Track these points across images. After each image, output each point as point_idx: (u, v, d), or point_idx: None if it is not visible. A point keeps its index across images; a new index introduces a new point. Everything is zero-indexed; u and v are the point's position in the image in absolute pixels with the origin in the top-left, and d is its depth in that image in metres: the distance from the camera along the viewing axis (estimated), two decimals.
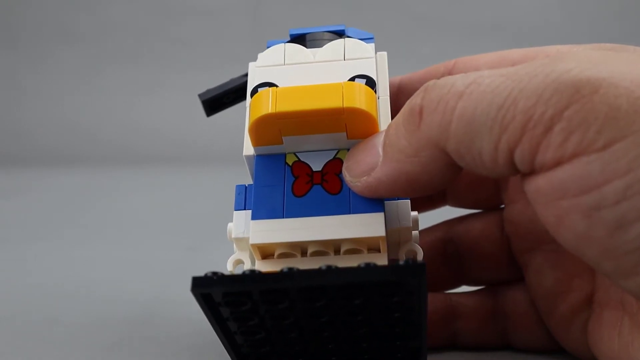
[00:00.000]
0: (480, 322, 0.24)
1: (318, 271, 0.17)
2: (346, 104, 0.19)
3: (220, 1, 1.14)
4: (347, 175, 0.19)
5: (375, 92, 0.21)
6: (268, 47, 0.23)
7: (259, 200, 0.20)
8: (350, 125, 0.20)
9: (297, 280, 0.17)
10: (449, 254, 0.25)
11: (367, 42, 0.23)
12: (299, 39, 0.24)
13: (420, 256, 0.21)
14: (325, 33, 0.23)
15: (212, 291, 0.18)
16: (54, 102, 1.11)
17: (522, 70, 0.16)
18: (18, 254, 0.42)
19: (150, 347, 0.25)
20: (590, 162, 0.14)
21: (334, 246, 0.20)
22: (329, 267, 0.17)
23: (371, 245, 0.20)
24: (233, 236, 0.21)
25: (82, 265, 0.39)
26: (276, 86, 0.21)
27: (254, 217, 0.20)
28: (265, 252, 0.20)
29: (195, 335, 0.26)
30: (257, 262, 0.20)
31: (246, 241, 0.21)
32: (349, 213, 0.19)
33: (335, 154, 0.21)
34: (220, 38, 1.14)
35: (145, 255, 0.41)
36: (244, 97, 0.25)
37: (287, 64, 0.22)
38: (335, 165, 0.20)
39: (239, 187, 0.21)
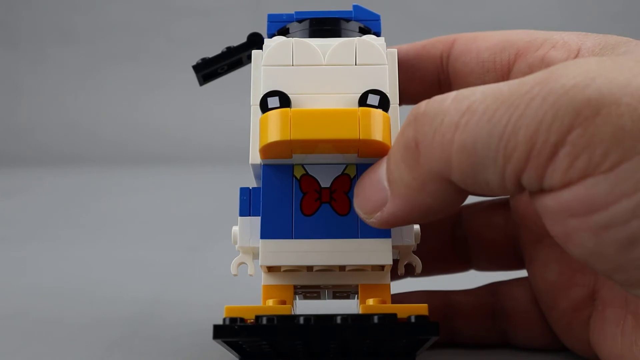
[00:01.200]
0: (479, 320, 0.24)
1: (335, 326, 0.17)
2: (362, 136, 0.19)
3: (220, 1, 1.14)
4: (360, 212, 0.19)
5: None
6: (269, 22, 0.22)
7: (268, 218, 0.20)
8: (362, 150, 0.20)
9: (314, 334, 0.18)
10: (457, 238, 0.25)
11: (374, 27, 0.23)
12: (303, 23, 0.22)
13: (419, 268, 0.21)
14: (334, 21, 0.22)
15: (232, 340, 0.18)
16: (53, 102, 1.11)
17: (517, 92, 0.15)
18: (18, 254, 0.42)
19: (150, 346, 0.24)
20: (598, 184, 0.14)
21: (340, 265, 0.20)
22: (345, 321, 0.17)
23: (375, 266, 0.20)
24: (239, 245, 0.21)
25: (82, 264, 0.39)
26: (286, 97, 0.20)
27: (263, 236, 0.20)
28: (273, 268, 0.20)
29: (195, 335, 0.26)
30: (263, 275, 0.20)
31: (250, 248, 0.21)
32: (357, 237, 0.20)
33: (344, 169, 0.20)
34: (220, 38, 1.14)
35: (145, 255, 0.41)
36: (240, 66, 0.24)
37: (297, 65, 0.21)
38: (343, 183, 0.20)
39: (243, 190, 0.21)
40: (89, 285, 0.34)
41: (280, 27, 0.23)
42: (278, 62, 0.21)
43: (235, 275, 0.21)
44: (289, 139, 0.19)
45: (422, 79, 0.24)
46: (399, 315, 0.18)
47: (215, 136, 1.02)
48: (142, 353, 0.24)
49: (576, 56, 0.20)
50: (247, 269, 0.21)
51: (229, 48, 0.24)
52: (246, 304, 0.23)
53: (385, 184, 0.18)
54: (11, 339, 0.26)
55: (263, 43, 0.22)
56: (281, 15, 0.23)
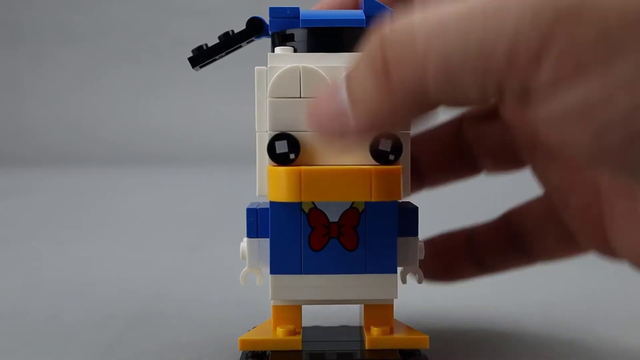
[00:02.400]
0: (501, 245, 0.24)
1: None
2: (375, 198, 0.19)
3: (220, 1, 1.14)
4: (315, 124, 0.18)
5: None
6: (271, 17, 0.21)
7: (277, 253, 0.21)
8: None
9: None
10: (463, 144, 0.24)
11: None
12: (310, 33, 0.21)
13: (420, 279, 0.22)
14: (344, 30, 0.21)
15: None
16: (54, 102, 1.11)
17: (490, 3, 0.15)
18: (19, 253, 0.43)
19: (150, 345, 0.25)
20: (591, 83, 0.14)
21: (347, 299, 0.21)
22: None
23: None
24: (248, 267, 0.21)
25: (83, 264, 0.39)
26: (295, 141, 0.20)
27: (273, 272, 0.21)
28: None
29: (195, 334, 0.26)
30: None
31: (259, 269, 0.21)
32: (365, 272, 0.21)
33: (352, 203, 0.21)
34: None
35: (145, 254, 0.42)
36: (238, 49, 0.23)
37: (304, 97, 0.20)
38: (352, 217, 0.21)
39: (250, 211, 0.21)
40: (89, 284, 0.34)
41: (284, 24, 0.21)
42: (285, 93, 0.20)
43: (244, 284, 0.22)
44: (299, 200, 0.19)
45: None
46: (401, 346, 0.21)
47: (215, 136, 1.02)
48: (141, 352, 0.24)
49: None
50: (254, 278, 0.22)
51: (226, 35, 0.23)
52: (245, 303, 0.23)
53: (347, 102, 0.17)
54: (11, 338, 0.26)
55: (262, 29, 0.22)
56: (284, 9, 0.21)
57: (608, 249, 0.21)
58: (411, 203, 0.22)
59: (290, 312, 0.21)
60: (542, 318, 0.27)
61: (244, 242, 0.21)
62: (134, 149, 1.02)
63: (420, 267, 0.22)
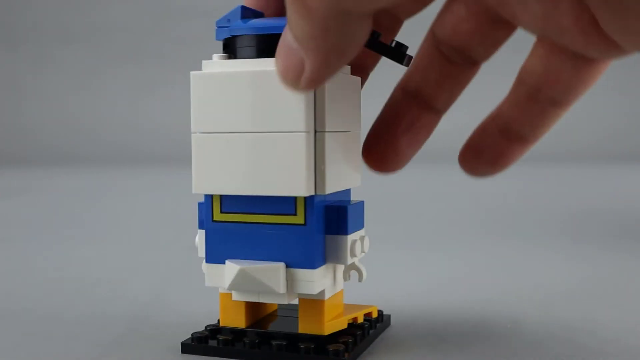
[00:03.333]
0: (527, 110, 0.22)
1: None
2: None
3: (220, 1, 1.14)
4: (286, 83, 0.18)
5: None
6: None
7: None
8: None
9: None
10: (448, 54, 0.22)
11: None
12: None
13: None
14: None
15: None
16: (54, 103, 1.11)
17: None
18: (19, 253, 0.43)
19: (150, 345, 0.25)
20: None
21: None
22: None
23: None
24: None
25: (83, 264, 0.39)
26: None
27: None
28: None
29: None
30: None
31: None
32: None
33: None
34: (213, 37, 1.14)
35: (145, 254, 0.42)
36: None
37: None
38: None
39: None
40: (88, 284, 0.34)
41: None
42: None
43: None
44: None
45: None
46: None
47: None
48: (141, 352, 0.24)
49: None
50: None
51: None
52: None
53: (294, 44, 0.18)
54: (11, 337, 0.26)
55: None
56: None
57: (615, 48, 0.19)
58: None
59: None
60: (542, 318, 0.27)
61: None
62: (134, 149, 1.02)
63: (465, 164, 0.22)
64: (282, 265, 0.21)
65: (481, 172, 0.23)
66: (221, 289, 0.23)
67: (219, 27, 0.22)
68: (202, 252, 0.23)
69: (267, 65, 0.20)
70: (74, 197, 0.67)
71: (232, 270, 0.21)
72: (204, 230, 0.23)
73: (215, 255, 0.22)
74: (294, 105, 0.20)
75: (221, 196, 0.22)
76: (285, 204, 0.21)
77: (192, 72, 0.21)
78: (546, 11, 0.19)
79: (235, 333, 0.23)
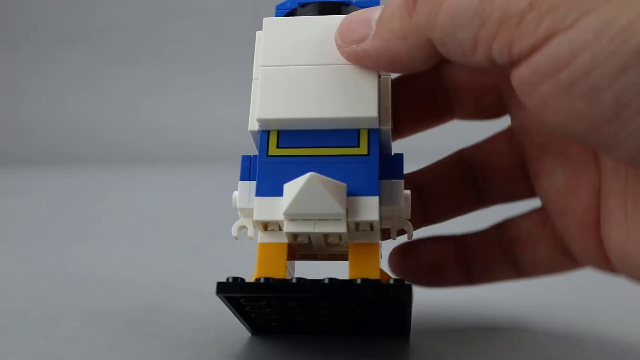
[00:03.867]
0: (490, 254, 0.25)
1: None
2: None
3: (220, 1, 1.14)
4: (338, 39, 0.21)
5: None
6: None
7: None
8: None
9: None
10: (465, 176, 0.25)
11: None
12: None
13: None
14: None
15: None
16: (54, 103, 1.11)
17: None
18: (19, 253, 0.43)
19: (151, 345, 0.25)
20: (561, 42, 0.16)
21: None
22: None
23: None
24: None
25: (83, 264, 0.39)
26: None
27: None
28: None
29: (196, 334, 0.26)
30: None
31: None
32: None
33: None
34: (220, 38, 1.14)
35: (145, 254, 0.42)
36: None
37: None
38: None
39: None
40: (89, 284, 0.34)
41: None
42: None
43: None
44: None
45: None
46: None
47: (215, 136, 1.02)
48: (142, 352, 0.24)
49: None
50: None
51: None
52: None
53: (373, 24, 0.20)
54: (12, 338, 0.26)
55: None
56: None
57: (604, 260, 0.22)
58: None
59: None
60: (542, 318, 0.28)
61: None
62: (134, 149, 1.02)
63: (410, 276, 0.22)
64: (345, 185, 0.20)
65: (417, 281, 0.25)
66: (264, 235, 0.21)
67: (278, 9, 0.24)
68: (242, 203, 0.22)
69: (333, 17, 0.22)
70: (74, 197, 0.67)
71: (299, 182, 0.20)
72: (246, 181, 0.22)
73: (268, 187, 0.21)
74: None
75: (279, 131, 0.22)
76: (348, 136, 0.21)
77: (264, 18, 0.23)
78: (566, 202, 0.22)
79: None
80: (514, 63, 0.17)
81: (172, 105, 1.10)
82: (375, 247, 0.21)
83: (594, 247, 0.22)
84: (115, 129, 1.07)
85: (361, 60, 0.21)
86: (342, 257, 0.23)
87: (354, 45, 0.21)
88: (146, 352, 0.24)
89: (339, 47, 0.21)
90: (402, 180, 0.21)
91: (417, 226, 0.25)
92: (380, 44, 0.20)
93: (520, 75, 0.17)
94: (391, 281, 0.20)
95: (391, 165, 0.22)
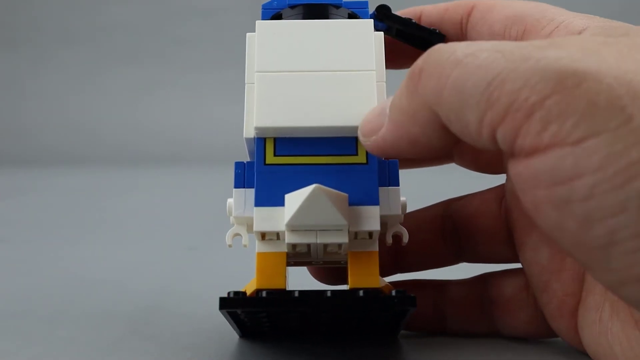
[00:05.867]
0: (468, 309, 0.24)
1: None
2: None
3: (220, 1, 1.14)
4: (360, 135, 0.20)
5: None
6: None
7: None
8: None
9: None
10: (447, 231, 0.25)
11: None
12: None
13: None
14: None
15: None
16: (55, 103, 1.11)
17: (517, 51, 0.16)
18: (19, 254, 0.43)
19: (151, 346, 0.25)
20: (564, 156, 0.15)
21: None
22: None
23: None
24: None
25: (83, 264, 0.39)
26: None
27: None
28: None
29: (196, 335, 0.26)
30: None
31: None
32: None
33: None
34: (220, 38, 1.14)
35: (145, 254, 0.42)
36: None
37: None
38: None
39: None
40: (89, 284, 0.34)
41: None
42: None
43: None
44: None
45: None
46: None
47: (216, 136, 1.02)
48: (142, 352, 0.24)
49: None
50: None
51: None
52: None
53: (387, 110, 0.19)
54: (12, 338, 0.26)
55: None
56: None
57: (579, 344, 0.22)
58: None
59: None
60: None
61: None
62: (134, 149, 1.02)
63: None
64: (347, 195, 0.20)
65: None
66: (263, 244, 0.21)
67: (264, 9, 0.23)
68: (237, 211, 0.21)
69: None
70: (74, 197, 0.67)
71: (302, 193, 0.20)
72: (241, 189, 0.22)
73: (267, 197, 0.21)
74: (363, 48, 0.22)
75: (275, 139, 0.21)
76: (346, 144, 0.21)
77: (257, 21, 0.23)
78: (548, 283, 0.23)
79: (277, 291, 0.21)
80: (514, 155, 0.16)
81: (173, 105, 1.10)
82: (375, 255, 0.21)
83: (569, 330, 0.22)
84: (116, 129, 1.07)
85: (382, 150, 0.20)
86: (336, 263, 0.23)
87: (374, 137, 0.19)
88: (146, 354, 0.24)
89: (362, 143, 0.20)
90: (399, 188, 0.21)
91: (388, 274, 0.25)
92: (394, 128, 0.19)
93: (517, 171, 0.16)
94: (393, 292, 0.19)
95: (387, 172, 0.21)
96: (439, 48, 0.18)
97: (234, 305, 0.20)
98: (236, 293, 0.20)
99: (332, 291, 0.19)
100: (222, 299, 0.20)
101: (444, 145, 0.18)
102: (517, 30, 0.22)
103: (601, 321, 0.20)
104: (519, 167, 0.16)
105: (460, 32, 0.24)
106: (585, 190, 0.14)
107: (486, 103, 0.16)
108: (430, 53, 0.18)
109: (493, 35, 0.23)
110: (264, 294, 0.20)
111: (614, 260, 0.15)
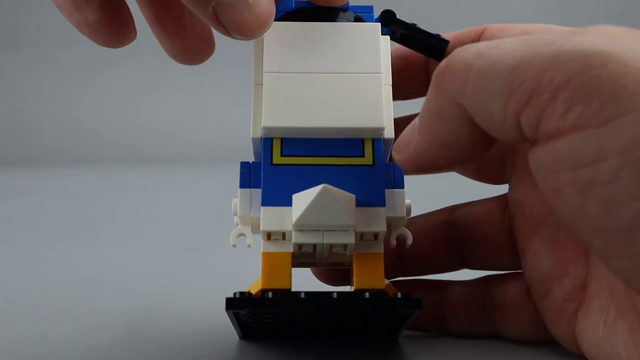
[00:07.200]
0: (469, 311, 0.24)
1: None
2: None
3: None
4: (394, 154, 0.20)
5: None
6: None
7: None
8: None
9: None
10: (451, 237, 0.25)
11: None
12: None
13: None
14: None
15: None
16: (56, 103, 1.11)
17: (542, 38, 0.16)
18: (19, 254, 0.43)
19: (151, 346, 0.25)
20: (588, 137, 0.14)
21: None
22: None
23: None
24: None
25: (83, 264, 0.39)
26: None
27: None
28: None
29: (196, 335, 0.26)
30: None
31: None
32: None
33: None
34: (220, 38, 1.14)
35: (145, 255, 0.42)
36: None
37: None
38: None
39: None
40: (89, 285, 0.34)
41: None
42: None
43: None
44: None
45: None
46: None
47: (216, 136, 1.02)
48: (142, 353, 0.24)
49: None
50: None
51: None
52: None
53: (417, 121, 0.19)
54: (12, 338, 0.26)
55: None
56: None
57: (578, 349, 0.22)
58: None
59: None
60: None
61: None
62: (135, 149, 1.02)
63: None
64: (354, 196, 0.20)
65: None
66: (269, 245, 0.21)
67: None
68: (243, 211, 0.21)
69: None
70: (74, 197, 0.67)
71: (310, 193, 0.20)
72: (247, 189, 0.22)
73: (275, 197, 0.21)
74: (371, 51, 0.22)
75: (282, 139, 0.21)
76: (352, 145, 0.21)
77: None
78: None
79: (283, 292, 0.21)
80: (536, 140, 0.16)
81: (173, 105, 1.10)
82: (380, 257, 0.21)
83: (568, 335, 0.22)
84: (116, 129, 1.07)
85: (415, 161, 0.19)
86: (339, 264, 0.23)
87: (407, 150, 0.19)
88: (146, 355, 0.24)
89: (396, 161, 0.20)
90: (404, 190, 0.22)
91: (391, 277, 0.25)
92: (424, 134, 0.18)
93: (538, 156, 0.16)
94: (399, 295, 0.20)
95: (392, 174, 0.22)
96: (463, 47, 0.18)
97: (240, 306, 0.20)
98: (242, 294, 0.20)
99: (338, 293, 0.19)
100: (228, 300, 0.19)
101: (473, 144, 0.18)
102: None
103: (605, 323, 0.20)
104: (540, 153, 0.16)
105: None
106: (610, 173, 0.14)
107: (510, 88, 0.16)
108: (454, 53, 0.18)
109: None
110: (269, 294, 0.19)
111: (635, 245, 0.14)
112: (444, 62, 0.18)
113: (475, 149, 0.18)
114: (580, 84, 0.15)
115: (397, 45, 0.24)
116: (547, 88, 0.15)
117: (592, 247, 0.16)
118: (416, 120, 0.19)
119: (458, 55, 0.17)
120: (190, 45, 0.24)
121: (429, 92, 0.18)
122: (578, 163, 0.15)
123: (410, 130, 0.19)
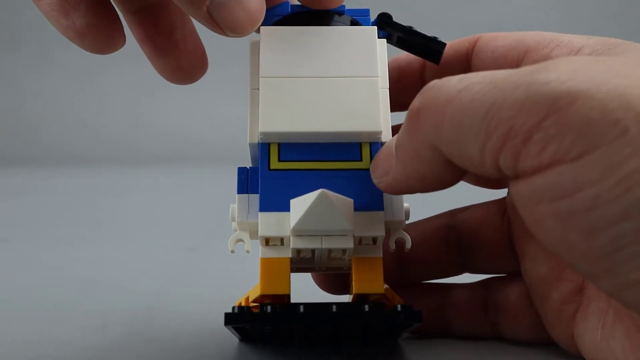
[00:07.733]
0: (471, 312, 0.25)
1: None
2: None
3: None
4: (372, 177, 0.21)
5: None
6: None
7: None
8: None
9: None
10: (451, 241, 0.25)
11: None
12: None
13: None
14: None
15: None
16: (56, 102, 1.11)
17: (509, 79, 0.16)
18: (19, 254, 0.43)
19: (151, 347, 0.25)
20: (565, 171, 0.15)
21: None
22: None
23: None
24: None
25: (83, 264, 0.39)
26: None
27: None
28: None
29: (196, 336, 0.26)
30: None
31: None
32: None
33: None
34: (220, 38, 1.14)
35: (145, 255, 0.42)
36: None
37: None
38: None
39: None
40: (89, 285, 0.34)
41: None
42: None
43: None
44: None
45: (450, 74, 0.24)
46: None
47: (216, 136, 1.02)
48: (142, 353, 0.24)
49: (576, 54, 0.21)
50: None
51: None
52: None
53: (394, 150, 0.19)
54: (12, 339, 0.26)
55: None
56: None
57: (577, 351, 0.22)
58: None
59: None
60: None
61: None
62: (136, 149, 1.02)
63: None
64: (352, 201, 0.20)
65: None
66: (267, 251, 0.21)
67: (268, 15, 0.23)
68: (240, 217, 0.21)
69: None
70: (74, 197, 0.67)
71: (308, 198, 0.20)
72: (244, 195, 0.22)
73: (272, 203, 0.21)
74: (367, 54, 0.22)
75: (279, 144, 0.21)
76: (350, 150, 0.21)
77: (261, 27, 0.22)
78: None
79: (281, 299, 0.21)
80: (517, 177, 0.16)
81: (173, 104, 1.10)
82: (379, 261, 0.21)
83: (567, 337, 0.22)
84: (116, 129, 1.07)
85: (395, 188, 0.20)
86: (338, 269, 0.23)
87: (385, 178, 0.20)
88: (146, 355, 0.24)
89: (376, 184, 0.20)
90: (402, 195, 0.22)
91: (393, 284, 0.25)
92: (402, 167, 0.19)
93: (519, 190, 0.16)
94: (399, 307, 0.20)
95: None
96: (432, 85, 0.18)
97: (239, 321, 0.20)
98: (240, 308, 0.20)
99: (337, 305, 0.19)
100: (227, 315, 0.20)
101: (452, 178, 0.19)
102: (518, 53, 0.23)
103: (604, 327, 0.20)
104: (521, 187, 0.16)
105: (465, 64, 0.25)
106: (587, 202, 0.15)
107: (485, 134, 0.16)
108: (424, 92, 0.18)
109: (495, 60, 0.23)
110: (268, 309, 0.19)
111: (619, 265, 0.15)
112: (416, 101, 0.18)
113: (454, 179, 0.19)
114: (552, 124, 0.15)
115: (392, 57, 0.24)
116: (520, 131, 0.16)
117: (578, 270, 0.16)
118: (392, 145, 0.19)
119: (428, 96, 0.18)
120: (183, 64, 0.25)
121: (404, 130, 0.19)
122: (557, 195, 0.15)
123: (388, 157, 0.20)
